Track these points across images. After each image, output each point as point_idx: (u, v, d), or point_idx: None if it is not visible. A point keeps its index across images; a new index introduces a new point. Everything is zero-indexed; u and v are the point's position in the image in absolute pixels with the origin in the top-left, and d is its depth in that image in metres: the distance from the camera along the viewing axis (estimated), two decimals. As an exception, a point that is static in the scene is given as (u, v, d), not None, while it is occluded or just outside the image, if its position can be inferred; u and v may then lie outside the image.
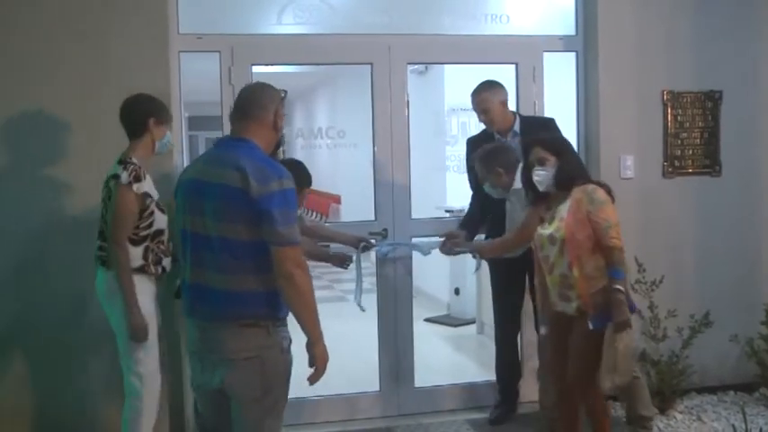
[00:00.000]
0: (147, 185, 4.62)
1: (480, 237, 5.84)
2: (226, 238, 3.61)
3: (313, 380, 3.76)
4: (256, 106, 3.79)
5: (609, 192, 4.68)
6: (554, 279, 4.74)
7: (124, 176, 4.52)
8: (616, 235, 4.54)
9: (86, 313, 5.39)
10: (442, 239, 5.85)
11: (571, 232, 4.58)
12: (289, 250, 3.55)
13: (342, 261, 5.61)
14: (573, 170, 4.76)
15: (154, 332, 4.68)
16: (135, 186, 4.53)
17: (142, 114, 4.71)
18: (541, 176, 4.76)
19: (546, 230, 4.75)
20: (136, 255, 4.60)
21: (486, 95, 5.79)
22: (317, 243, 5.78)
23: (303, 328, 3.69)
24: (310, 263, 4.07)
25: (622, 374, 4.50)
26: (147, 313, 4.62)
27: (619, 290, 4.49)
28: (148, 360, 4.67)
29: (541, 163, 4.75)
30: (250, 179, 3.54)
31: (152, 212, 4.64)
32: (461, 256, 8.85)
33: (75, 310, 5.48)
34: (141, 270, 4.62)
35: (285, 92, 3.94)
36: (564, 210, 4.67)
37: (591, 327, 4.55)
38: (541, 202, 4.88)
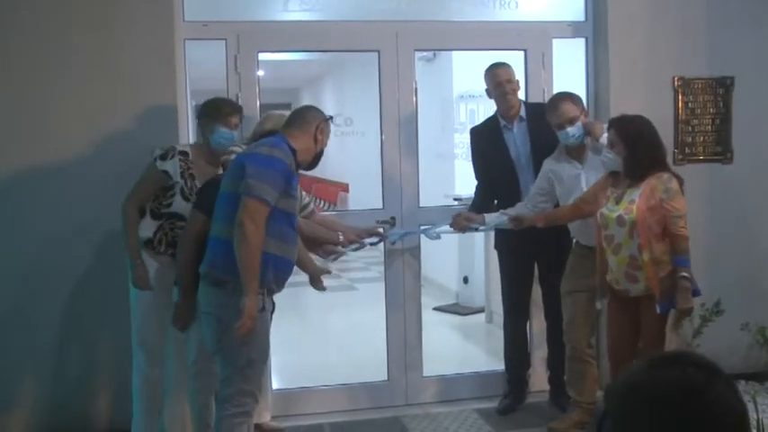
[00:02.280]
0: (171, 166, 4.89)
1: (492, 216, 5.78)
2: (224, 192, 4.26)
3: (239, 331, 4.01)
4: (299, 118, 4.48)
5: (681, 183, 4.80)
6: (621, 259, 4.80)
7: (156, 151, 4.95)
8: (684, 225, 4.71)
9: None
10: (453, 217, 5.80)
11: (644, 217, 4.68)
12: (250, 201, 4.02)
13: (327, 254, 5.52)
14: (642, 163, 4.79)
15: (147, 303, 4.95)
16: (158, 162, 4.90)
17: (199, 117, 5.11)
18: (608, 159, 4.88)
19: (613, 210, 4.82)
20: (150, 227, 4.94)
21: (509, 68, 5.83)
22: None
23: (242, 279, 4.03)
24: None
25: None
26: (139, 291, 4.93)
27: (685, 277, 4.66)
28: (142, 328, 5.00)
29: (611, 146, 4.84)
30: (254, 146, 4.34)
31: (174, 194, 4.90)
32: (470, 246, 8.90)
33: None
34: (148, 244, 4.93)
35: (331, 117, 4.64)
36: (636, 193, 4.75)
37: (659, 310, 4.70)
38: (611, 178, 4.94)
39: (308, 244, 5.25)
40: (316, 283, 5.20)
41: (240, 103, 5.61)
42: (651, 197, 4.69)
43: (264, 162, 4.10)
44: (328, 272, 5.32)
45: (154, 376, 5.06)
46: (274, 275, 4.22)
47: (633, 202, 4.73)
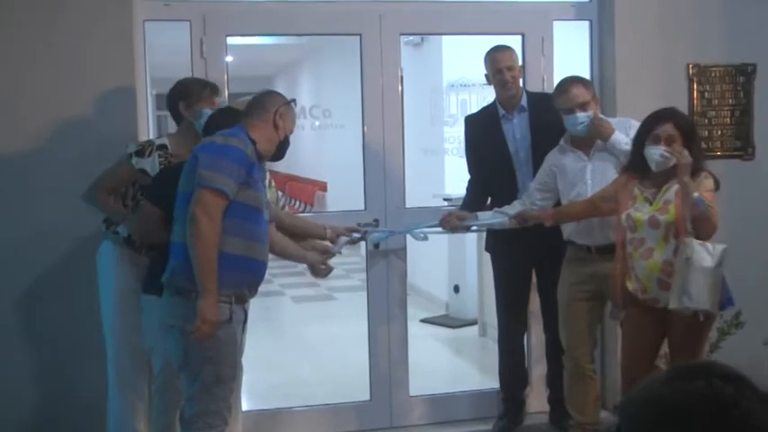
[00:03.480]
0: (149, 164, 4.88)
1: (485, 215, 5.72)
2: (181, 191, 4.21)
3: (194, 336, 4.01)
4: (257, 106, 4.47)
5: (717, 186, 4.82)
6: (653, 265, 4.76)
7: (131, 146, 4.94)
8: (716, 215, 4.67)
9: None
10: (442, 216, 5.70)
11: (683, 218, 4.64)
12: (204, 192, 4.02)
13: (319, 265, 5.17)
14: (699, 159, 4.78)
15: (124, 307, 4.96)
16: (134, 160, 4.89)
17: (172, 101, 5.08)
18: (667, 158, 4.74)
19: (644, 211, 4.78)
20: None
21: (510, 53, 5.76)
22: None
23: (197, 279, 4.03)
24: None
25: (697, 300, 4.59)
26: (120, 287, 4.98)
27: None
28: (115, 328, 5.00)
29: (669, 142, 4.75)
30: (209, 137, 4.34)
31: None
32: (461, 251, 8.87)
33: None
34: (128, 242, 4.95)
35: (293, 100, 4.63)
36: (671, 192, 4.73)
37: (701, 317, 4.67)
38: (636, 175, 4.89)
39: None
40: (318, 273, 5.13)
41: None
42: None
43: (218, 150, 4.11)
44: (327, 261, 5.15)
45: (130, 398, 5.04)
46: (240, 279, 4.21)
47: (669, 202, 4.71)
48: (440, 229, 5.69)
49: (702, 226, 4.62)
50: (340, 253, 5.40)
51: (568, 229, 5.45)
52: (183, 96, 5.00)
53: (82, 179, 5.00)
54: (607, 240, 5.13)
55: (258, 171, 4.28)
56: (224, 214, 4.06)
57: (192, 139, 4.92)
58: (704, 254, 4.57)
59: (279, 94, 4.62)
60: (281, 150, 4.53)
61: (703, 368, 1.63)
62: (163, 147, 4.92)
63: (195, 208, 3.99)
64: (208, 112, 4.90)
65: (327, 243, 5.30)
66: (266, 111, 4.41)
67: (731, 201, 6.29)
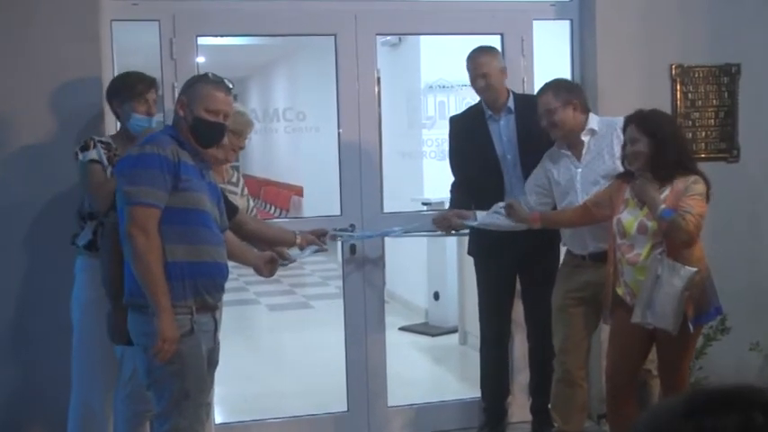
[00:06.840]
0: (95, 154, 4.85)
1: (483, 214, 5.68)
2: (120, 208, 4.13)
3: (158, 358, 4.00)
4: None
5: (708, 189, 4.82)
6: (641, 270, 4.78)
7: (74, 149, 4.90)
8: (693, 221, 4.62)
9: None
10: (437, 216, 5.66)
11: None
12: (132, 209, 4.00)
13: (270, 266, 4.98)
14: (670, 159, 4.78)
15: (86, 315, 4.92)
16: (80, 156, 4.85)
17: (109, 99, 5.09)
18: (626, 156, 4.86)
19: (635, 216, 4.81)
20: (87, 230, 4.90)
21: (486, 59, 5.70)
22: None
23: (148, 298, 4.01)
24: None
25: (660, 318, 4.65)
26: (81, 297, 4.94)
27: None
28: (87, 346, 4.94)
29: (633, 143, 4.80)
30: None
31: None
32: (441, 257, 8.87)
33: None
34: (91, 247, 4.87)
35: (206, 74, 4.51)
36: (661, 197, 4.74)
37: (692, 328, 4.74)
38: (626, 181, 4.92)
39: (254, 244, 5.09)
40: (262, 271, 4.89)
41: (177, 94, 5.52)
42: (676, 201, 4.68)
43: (135, 163, 4.07)
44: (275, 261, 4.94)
45: (95, 405, 5.00)
46: (194, 286, 4.13)
47: None
48: (424, 231, 5.66)
49: (674, 235, 4.65)
50: (294, 261, 5.35)
51: (565, 236, 5.50)
52: (114, 95, 5.00)
53: (42, 192, 5.08)
54: (599, 248, 5.17)
55: (192, 170, 4.16)
56: (161, 223, 4.02)
57: (127, 138, 4.94)
58: (674, 275, 4.62)
59: (192, 78, 4.57)
60: (197, 136, 4.25)
61: (737, 395, 1.31)
62: (106, 143, 4.90)
63: (128, 227, 3.97)
64: (138, 116, 4.90)
65: (296, 250, 5.20)
66: (175, 105, 4.36)
67: (716, 203, 6.25)
